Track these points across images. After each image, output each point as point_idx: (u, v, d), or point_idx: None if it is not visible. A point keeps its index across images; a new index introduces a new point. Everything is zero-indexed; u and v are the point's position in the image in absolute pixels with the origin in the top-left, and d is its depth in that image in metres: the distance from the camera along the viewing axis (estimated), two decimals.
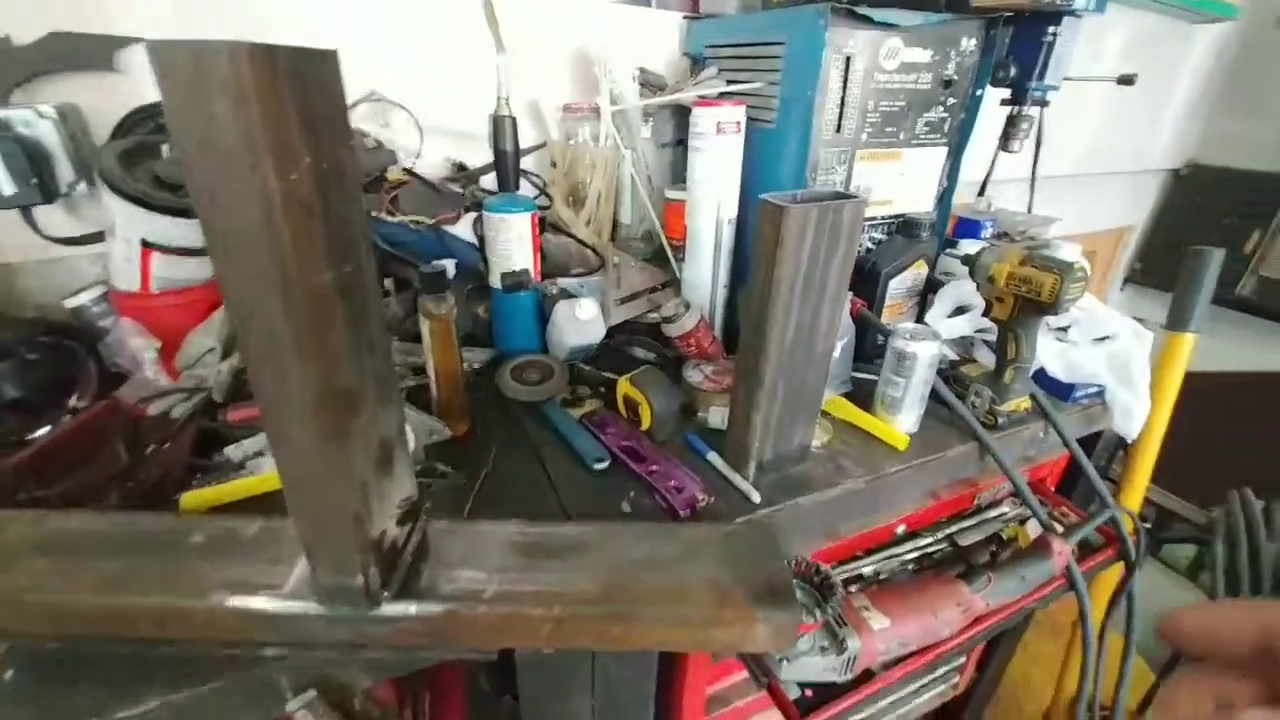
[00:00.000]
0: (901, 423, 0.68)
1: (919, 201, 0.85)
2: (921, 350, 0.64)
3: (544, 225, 0.87)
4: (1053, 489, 0.87)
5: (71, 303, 0.68)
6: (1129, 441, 0.78)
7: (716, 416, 0.69)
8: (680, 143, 0.98)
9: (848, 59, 0.70)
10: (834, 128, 0.74)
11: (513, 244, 0.73)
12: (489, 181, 0.83)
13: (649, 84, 0.91)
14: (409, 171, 0.78)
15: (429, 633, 0.42)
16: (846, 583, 0.69)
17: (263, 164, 0.27)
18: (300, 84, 0.28)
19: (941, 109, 0.79)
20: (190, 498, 0.54)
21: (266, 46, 0.26)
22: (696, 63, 0.95)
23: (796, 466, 0.63)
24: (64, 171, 0.66)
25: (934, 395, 0.69)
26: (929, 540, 0.74)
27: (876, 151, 0.78)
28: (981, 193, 1.09)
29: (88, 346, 0.65)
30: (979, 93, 0.80)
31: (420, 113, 0.83)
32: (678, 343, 0.79)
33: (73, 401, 0.62)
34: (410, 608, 0.41)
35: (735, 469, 0.61)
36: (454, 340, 0.63)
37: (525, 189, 0.88)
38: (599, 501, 0.58)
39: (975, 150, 0.85)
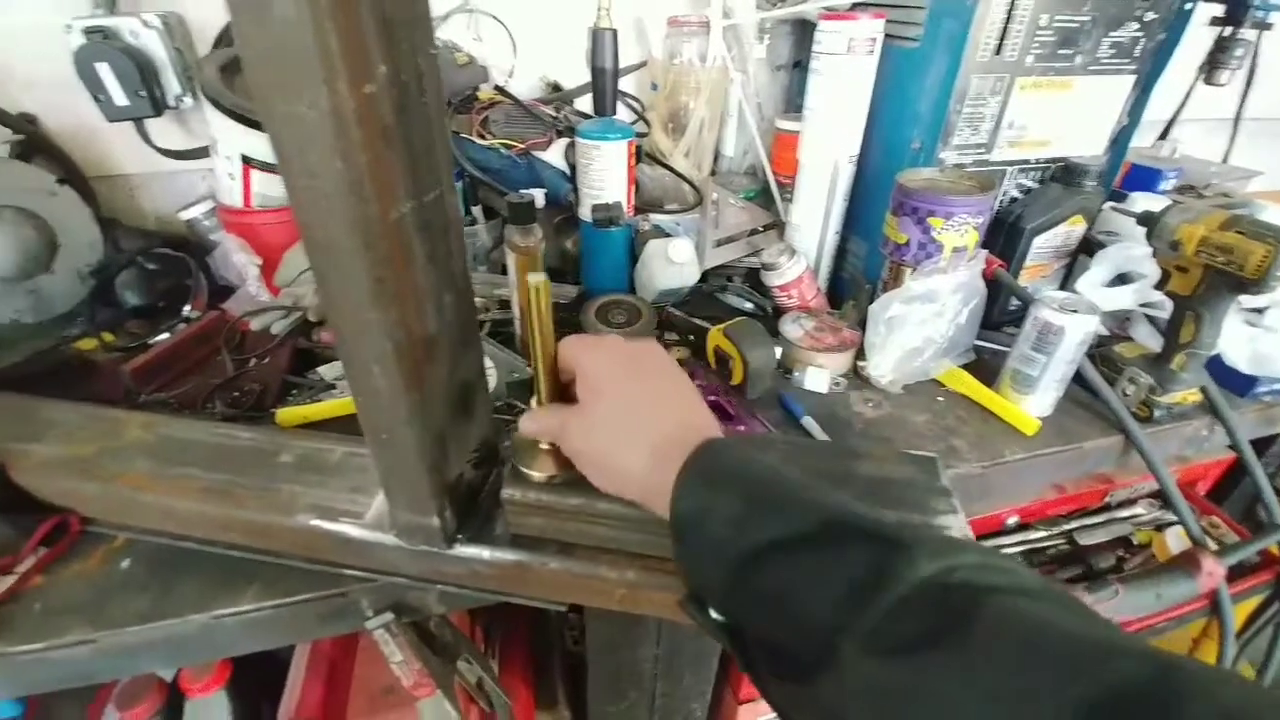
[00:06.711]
0: (1034, 405, 0.59)
1: (1087, 143, 0.71)
2: (1072, 325, 0.54)
3: (640, 155, 0.81)
4: (1203, 495, 0.75)
5: (185, 215, 0.71)
6: None
7: (814, 378, 0.63)
8: (798, 64, 0.86)
9: None
10: (993, 48, 0.61)
11: (606, 174, 0.68)
12: (584, 104, 0.77)
13: None
14: (501, 90, 0.73)
15: (500, 578, 0.41)
16: None
17: (335, 73, 0.23)
18: None
19: (1136, 25, 0.64)
20: (285, 413, 0.56)
21: None
22: None
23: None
24: (171, 84, 0.66)
25: (1076, 377, 0.59)
26: (1043, 534, 0.66)
27: (1042, 80, 0.65)
28: (1164, 136, 0.90)
29: (198, 259, 0.67)
30: (1188, 6, 0.64)
31: (515, 26, 0.77)
32: (777, 292, 0.72)
33: (186, 311, 0.65)
34: (484, 553, 0.40)
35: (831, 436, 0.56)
36: None
37: (622, 114, 0.81)
38: None
39: (1167, 82, 0.69)
